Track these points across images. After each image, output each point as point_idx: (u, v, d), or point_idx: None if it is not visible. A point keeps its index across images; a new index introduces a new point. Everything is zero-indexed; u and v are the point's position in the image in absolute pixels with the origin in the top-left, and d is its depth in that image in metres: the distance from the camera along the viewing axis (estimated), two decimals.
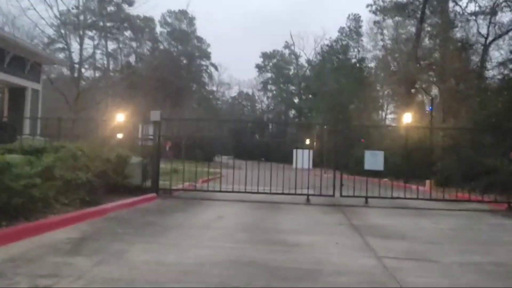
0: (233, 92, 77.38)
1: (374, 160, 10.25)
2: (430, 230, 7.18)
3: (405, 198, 10.34)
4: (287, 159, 18.29)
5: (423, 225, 7.67)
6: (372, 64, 43.94)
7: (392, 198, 10.27)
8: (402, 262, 4.81)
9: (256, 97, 78.41)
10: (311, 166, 10.91)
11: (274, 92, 73.79)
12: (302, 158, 10.87)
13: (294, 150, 11.23)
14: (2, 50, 14.96)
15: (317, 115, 47.82)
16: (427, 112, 18.51)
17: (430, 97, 17.42)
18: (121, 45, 59.10)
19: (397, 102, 34.33)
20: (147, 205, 8.73)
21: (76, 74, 16.07)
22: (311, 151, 11.00)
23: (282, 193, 10.54)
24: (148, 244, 5.16)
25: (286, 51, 71.74)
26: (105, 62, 57.23)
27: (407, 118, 20.37)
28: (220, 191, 10.52)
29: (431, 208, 10.06)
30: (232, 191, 10.46)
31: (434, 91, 18.26)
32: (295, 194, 10.52)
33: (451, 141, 16.31)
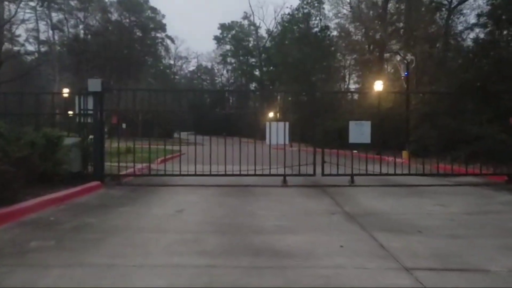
0: (191, 66, 74.48)
1: (360, 132, 8.79)
2: (441, 216, 5.82)
3: (395, 175, 9.01)
4: (251, 133, 16.66)
5: (429, 209, 6.31)
6: (335, 33, 42.70)
7: (381, 174, 8.93)
8: (444, 277, 3.35)
9: (216, 71, 75.81)
10: (287, 141, 9.29)
11: (234, 65, 71.43)
12: (277, 132, 9.23)
13: (268, 123, 9.55)
14: None
15: (279, 87, 46.25)
16: (402, 77, 17.35)
17: (406, 62, 16.22)
18: (66, 16, 54.58)
19: (363, 70, 33.27)
20: (86, 198, 6.89)
21: None
22: (287, 124, 9.35)
23: (254, 174, 8.95)
24: (70, 269, 3.42)
25: (245, 22, 69.16)
26: (50, 34, 52.96)
27: (378, 85, 19.12)
28: (180, 175, 8.79)
29: (425, 185, 8.81)
30: (195, 174, 8.76)
31: (407, 56, 17.03)
32: (270, 174, 8.96)
33: (428, 108, 15.21)
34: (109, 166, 8.89)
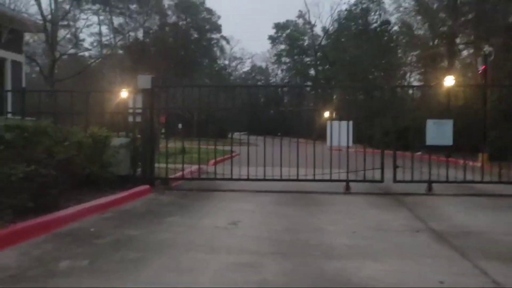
0: (246, 67, 74.31)
1: (440, 132, 7.60)
2: None
3: (482, 182, 7.71)
4: (307, 133, 15.67)
5: None
6: (395, 28, 40.62)
7: (465, 182, 7.68)
8: None
9: (270, 71, 75.16)
10: (351, 143, 8.28)
11: (289, 64, 70.52)
12: (339, 132, 8.25)
13: (328, 122, 8.58)
14: None
15: (332, 89, 44.66)
16: (479, 71, 15.63)
17: (484, 53, 14.56)
18: (127, 19, 56.39)
19: (426, 67, 31.12)
20: (133, 204, 6.32)
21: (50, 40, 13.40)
22: (351, 123, 8.33)
23: (314, 180, 8.03)
24: None
25: (300, 21, 67.99)
26: (112, 37, 54.95)
27: (449, 81, 17.42)
28: (231, 179, 8.05)
29: None
30: (247, 179, 7.98)
31: (484, 48, 15.33)
32: (331, 180, 8.00)
33: (508, 105, 13.51)
34: (161, 168, 8.31)
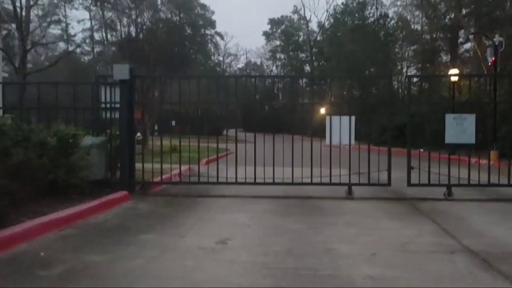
0: (241, 63, 73.15)
1: (460, 128, 6.65)
2: None
3: (510, 185, 6.74)
4: (302, 129, 14.66)
5: None
6: (393, 22, 39.80)
7: (490, 185, 6.74)
8: None
9: (265, 67, 74.01)
10: (353, 141, 7.28)
11: (284, 60, 69.48)
12: (340, 129, 7.27)
13: (328, 117, 7.54)
14: None
15: (331, 82, 43.69)
16: (489, 63, 14.71)
17: (494, 44, 13.65)
18: (119, 15, 55.09)
19: (423, 62, 30.16)
20: (104, 215, 5.31)
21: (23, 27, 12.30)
22: (353, 118, 7.34)
23: (311, 183, 7.03)
24: None
25: (295, 16, 66.94)
26: (103, 33, 53.66)
27: (454, 74, 16.56)
28: (218, 183, 7.07)
29: None
30: (236, 182, 7.01)
31: (494, 38, 14.43)
32: (331, 184, 7.02)
33: None
34: (147, 171, 7.25)
